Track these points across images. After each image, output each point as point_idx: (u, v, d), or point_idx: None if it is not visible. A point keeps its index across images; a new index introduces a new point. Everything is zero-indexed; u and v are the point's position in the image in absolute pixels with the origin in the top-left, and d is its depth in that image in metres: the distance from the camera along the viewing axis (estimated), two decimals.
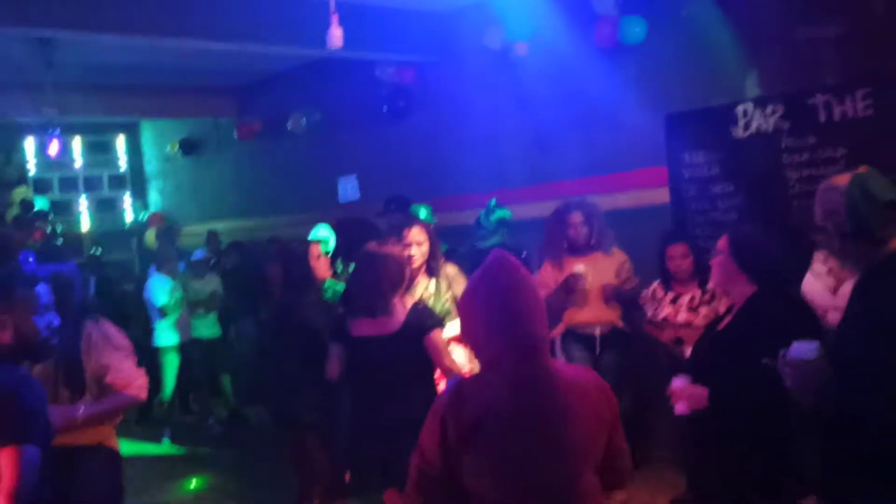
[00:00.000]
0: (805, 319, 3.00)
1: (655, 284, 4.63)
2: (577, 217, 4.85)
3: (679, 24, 5.04)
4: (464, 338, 2.15)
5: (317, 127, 8.42)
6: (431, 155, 7.00)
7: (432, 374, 3.58)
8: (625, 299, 4.86)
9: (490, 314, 2.00)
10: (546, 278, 4.86)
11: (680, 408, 3.00)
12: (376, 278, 3.55)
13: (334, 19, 4.40)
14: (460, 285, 4.00)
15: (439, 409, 1.99)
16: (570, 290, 4.75)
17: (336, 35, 4.36)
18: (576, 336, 4.91)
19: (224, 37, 5.80)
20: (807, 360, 2.50)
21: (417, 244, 4.06)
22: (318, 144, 8.56)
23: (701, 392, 2.96)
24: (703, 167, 4.96)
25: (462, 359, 3.80)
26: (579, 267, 4.73)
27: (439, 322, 3.66)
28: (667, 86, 5.13)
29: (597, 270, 4.77)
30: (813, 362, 2.48)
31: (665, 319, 4.47)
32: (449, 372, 3.50)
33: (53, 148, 8.41)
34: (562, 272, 4.82)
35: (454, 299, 4.05)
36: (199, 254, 7.51)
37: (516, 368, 1.96)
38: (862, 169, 2.48)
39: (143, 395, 3.14)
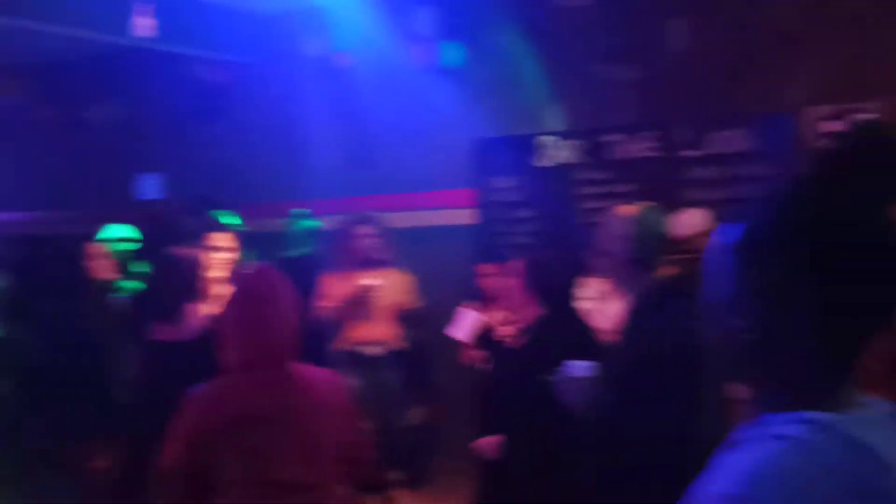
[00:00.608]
0: (588, 340, 3.23)
1: (466, 302, 4.76)
2: (365, 230, 4.79)
3: (493, 54, 5.26)
4: (221, 342, 2.26)
5: (121, 119, 7.94)
6: (247, 159, 6.80)
7: None
8: (411, 318, 4.85)
9: (242, 322, 2.22)
10: (329, 291, 4.72)
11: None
12: (173, 282, 3.43)
13: (141, 8, 4.19)
14: None
15: (189, 409, 2.18)
16: (358, 302, 4.64)
17: (145, 24, 4.16)
18: (357, 354, 4.74)
19: (20, 13, 5.33)
20: (582, 377, 2.69)
21: (223, 250, 3.92)
22: (121, 138, 8.07)
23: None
24: (507, 192, 5.19)
25: None
26: (369, 280, 4.66)
27: None
28: (479, 111, 5.32)
29: (385, 286, 4.70)
30: (587, 380, 2.67)
31: (461, 334, 4.59)
32: None
33: None
34: (348, 285, 4.70)
35: None
36: None
37: (265, 371, 2.19)
38: (647, 203, 2.73)
39: None
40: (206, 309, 3.47)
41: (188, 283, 3.41)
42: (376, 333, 4.75)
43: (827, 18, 4.33)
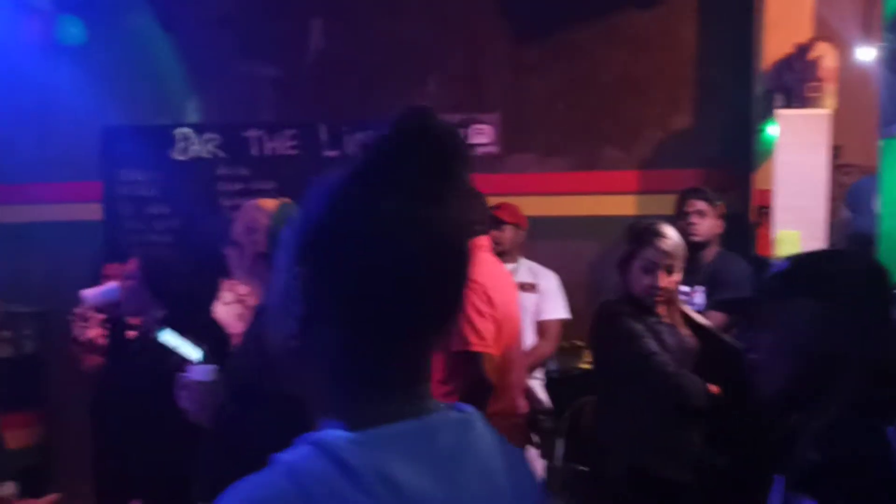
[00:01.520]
0: (212, 344, 3.09)
1: (79, 305, 4.32)
2: None
3: (121, 35, 4.85)
4: None
5: None
6: None
7: None
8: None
9: None
10: None
11: None
12: None
13: None
14: None
15: None
16: None
17: None
18: None
19: None
20: (202, 381, 2.55)
21: None
22: None
23: None
24: (141, 186, 4.83)
25: None
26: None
27: None
28: (107, 97, 4.86)
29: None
30: (207, 384, 2.54)
31: (79, 341, 4.19)
32: None
33: None
34: None
35: None
36: None
37: None
38: (285, 200, 2.65)
39: None
40: None
41: None
42: None
43: (450, 33, 4.65)
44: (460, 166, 0.89)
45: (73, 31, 4.72)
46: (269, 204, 2.60)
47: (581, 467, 3.56)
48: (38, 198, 4.95)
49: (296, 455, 0.81)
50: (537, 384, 3.88)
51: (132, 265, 3.23)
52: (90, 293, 3.57)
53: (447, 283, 0.87)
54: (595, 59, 4.56)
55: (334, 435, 0.81)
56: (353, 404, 0.85)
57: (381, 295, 0.83)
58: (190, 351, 2.70)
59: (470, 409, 0.91)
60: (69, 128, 4.87)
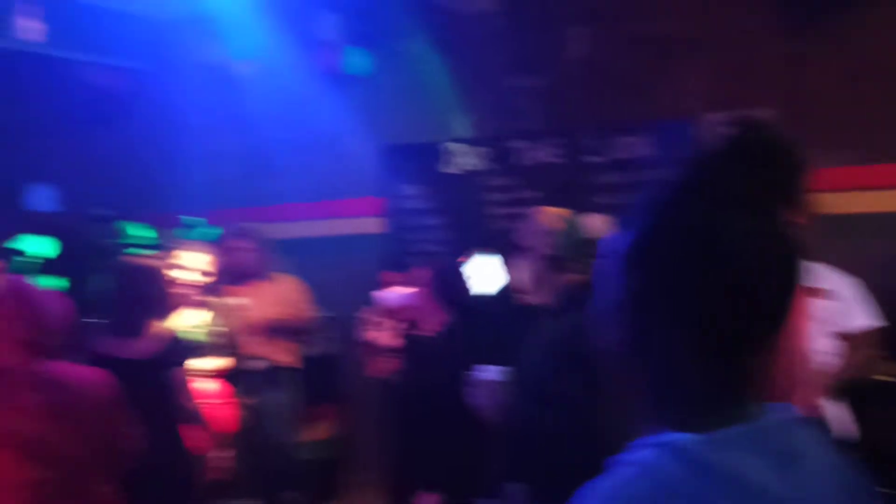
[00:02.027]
0: (499, 345, 3.23)
1: (368, 308, 4.69)
2: (240, 244, 4.56)
3: (399, 60, 5.23)
4: None
5: (9, 126, 7.53)
6: (143, 168, 6.55)
7: (172, 407, 3.30)
8: (293, 332, 4.62)
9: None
10: (226, 302, 4.45)
11: None
12: (140, 296, 3.24)
13: (26, 9, 3.98)
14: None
15: None
16: (229, 319, 4.40)
17: (31, 27, 3.95)
18: (241, 372, 4.46)
19: None
20: (494, 381, 2.68)
21: (189, 269, 3.79)
22: (9, 145, 7.64)
23: None
24: (415, 200, 5.16)
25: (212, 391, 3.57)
26: (237, 299, 4.43)
27: (190, 356, 3.45)
28: (386, 118, 5.27)
29: (261, 300, 4.46)
30: (499, 383, 2.66)
31: (370, 343, 4.53)
32: (184, 410, 3.28)
33: None
34: (223, 302, 4.44)
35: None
36: None
37: (18, 370, 2.35)
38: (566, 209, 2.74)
39: None
40: (167, 326, 3.31)
41: (152, 297, 3.24)
42: (256, 348, 4.49)
43: (721, 27, 4.47)
44: (798, 179, 0.89)
45: (358, 60, 5.17)
46: (554, 211, 2.70)
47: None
48: (329, 213, 5.47)
49: (645, 456, 0.84)
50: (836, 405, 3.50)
51: (424, 273, 3.47)
52: (385, 297, 3.88)
53: (782, 291, 0.88)
54: (875, 45, 4.17)
55: (684, 437, 0.83)
56: (691, 408, 0.87)
57: (718, 303, 0.85)
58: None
59: (797, 410, 0.91)
60: (353, 149, 5.33)
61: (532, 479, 2.48)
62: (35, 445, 2.34)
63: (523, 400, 2.54)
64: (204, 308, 4.14)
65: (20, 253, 4.07)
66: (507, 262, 3.46)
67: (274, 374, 4.51)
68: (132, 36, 6.16)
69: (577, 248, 2.61)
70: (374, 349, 4.57)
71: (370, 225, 5.37)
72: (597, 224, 3.69)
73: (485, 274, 3.93)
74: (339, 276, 5.09)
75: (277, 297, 4.55)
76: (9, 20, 3.98)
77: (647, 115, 4.57)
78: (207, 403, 3.71)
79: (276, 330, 4.50)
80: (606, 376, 2.30)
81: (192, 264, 4.06)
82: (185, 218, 5.12)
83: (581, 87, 4.82)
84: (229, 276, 4.50)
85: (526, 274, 2.67)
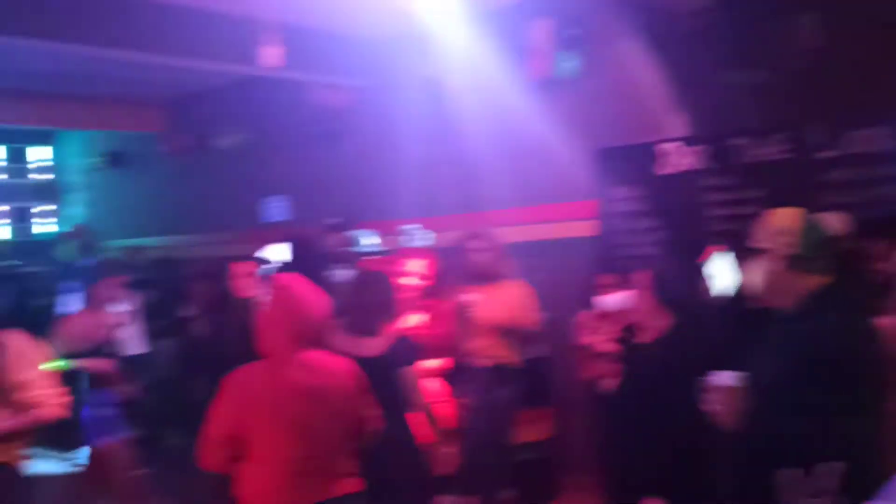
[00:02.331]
0: (726, 349, 3.13)
1: (584, 312, 4.70)
2: (476, 245, 4.74)
3: (610, 61, 5.20)
4: (259, 335, 2.79)
5: (246, 146, 8.33)
6: (362, 179, 6.99)
7: (401, 404, 3.51)
8: (527, 333, 4.72)
9: (269, 317, 2.79)
10: (449, 304, 4.65)
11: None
12: (375, 299, 3.51)
13: (267, 38, 4.39)
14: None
15: (226, 389, 2.71)
16: (462, 316, 4.58)
17: (272, 54, 4.35)
18: (467, 368, 4.66)
19: (156, 49, 5.68)
20: (730, 386, 2.59)
21: (416, 276, 4.07)
22: (246, 163, 8.46)
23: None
24: (628, 202, 5.10)
25: (435, 390, 3.78)
26: (470, 296, 4.58)
27: (419, 356, 3.66)
28: (596, 121, 5.26)
29: (492, 302, 4.60)
30: (735, 389, 2.57)
31: (586, 347, 4.53)
32: (417, 407, 3.47)
33: None
34: (457, 300, 4.62)
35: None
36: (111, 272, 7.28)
37: (284, 356, 2.73)
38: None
39: (59, 413, 3.02)
40: (396, 327, 3.56)
41: (389, 302, 3.50)
42: (483, 347, 4.65)
43: None
44: None
45: (568, 64, 5.21)
46: (791, 210, 2.56)
47: None
48: (541, 218, 5.54)
49: None
50: None
51: (643, 276, 3.43)
52: (602, 301, 3.87)
53: None
54: None
55: None
56: None
57: None
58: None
59: None
60: (565, 153, 5.37)
61: (771, 484, 2.38)
62: (298, 424, 2.68)
63: (762, 406, 2.44)
64: (424, 310, 4.35)
65: (265, 260, 4.51)
66: (739, 264, 3.34)
67: (499, 374, 4.65)
68: (354, 56, 6.60)
69: (819, 249, 2.47)
70: (590, 353, 4.57)
71: (582, 228, 5.37)
72: (833, 223, 3.46)
73: (714, 276, 3.82)
74: (551, 279, 5.13)
75: (509, 299, 4.69)
76: (253, 49, 4.41)
77: (884, 106, 4.21)
78: (432, 401, 3.90)
79: (506, 331, 4.64)
80: (860, 384, 2.19)
81: (413, 269, 4.27)
82: (404, 225, 5.40)
83: (808, 79, 4.53)
84: (464, 277, 4.70)
85: (761, 276, 2.56)
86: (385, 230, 6.02)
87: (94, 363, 4.41)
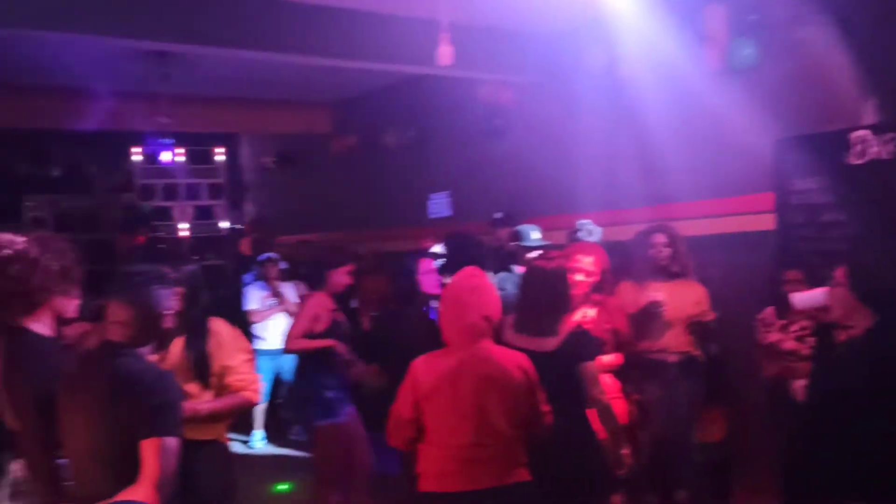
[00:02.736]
0: None
1: (769, 309, 4.53)
2: (659, 239, 4.74)
3: (792, 48, 4.94)
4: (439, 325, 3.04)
5: (411, 143, 8.55)
6: (528, 175, 7.00)
7: (580, 399, 3.51)
8: (705, 330, 4.69)
9: (447, 309, 3.03)
10: (626, 299, 4.65)
11: None
12: (550, 294, 3.53)
13: (444, 37, 4.49)
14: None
15: (411, 374, 2.97)
16: (648, 316, 4.58)
17: (446, 53, 4.46)
18: (649, 361, 4.64)
19: (332, 53, 5.94)
20: None
21: (584, 268, 4.13)
22: (410, 161, 8.69)
23: None
24: (813, 194, 4.84)
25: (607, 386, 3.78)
26: (658, 294, 4.57)
27: (598, 351, 3.67)
28: (777, 110, 5.02)
29: (676, 298, 4.60)
30: None
31: (771, 345, 4.36)
32: (595, 401, 3.49)
33: (166, 156, 8.76)
34: (642, 295, 4.65)
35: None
36: (282, 265, 7.69)
37: (461, 347, 2.95)
38: None
39: (258, 398, 3.23)
40: (571, 322, 3.60)
41: (565, 299, 3.54)
42: (668, 342, 4.65)
43: None
44: None
45: (745, 53, 5.00)
46: None
47: None
48: (720, 211, 5.35)
49: None
50: None
51: (838, 272, 3.25)
52: (799, 298, 3.71)
53: None
54: None
55: None
56: None
57: None
58: None
59: None
60: (743, 144, 5.16)
61: None
62: (470, 412, 2.86)
63: None
64: (594, 305, 4.32)
65: (439, 256, 4.62)
66: None
67: (684, 369, 4.59)
68: (521, 51, 6.63)
69: None
70: (774, 352, 4.40)
71: (759, 222, 5.14)
72: None
73: None
74: (731, 274, 4.96)
75: (691, 294, 4.65)
76: (423, 49, 4.53)
77: None
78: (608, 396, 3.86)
79: (691, 326, 4.62)
80: None
81: (586, 264, 4.25)
82: (580, 221, 5.38)
83: None
84: (645, 272, 4.68)
85: None
86: (554, 225, 6.02)
87: (335, 344, 4.63)
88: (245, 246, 10.53)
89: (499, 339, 3.47)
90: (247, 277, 7.84)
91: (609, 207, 6.01)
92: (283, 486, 6.09)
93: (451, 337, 2.99)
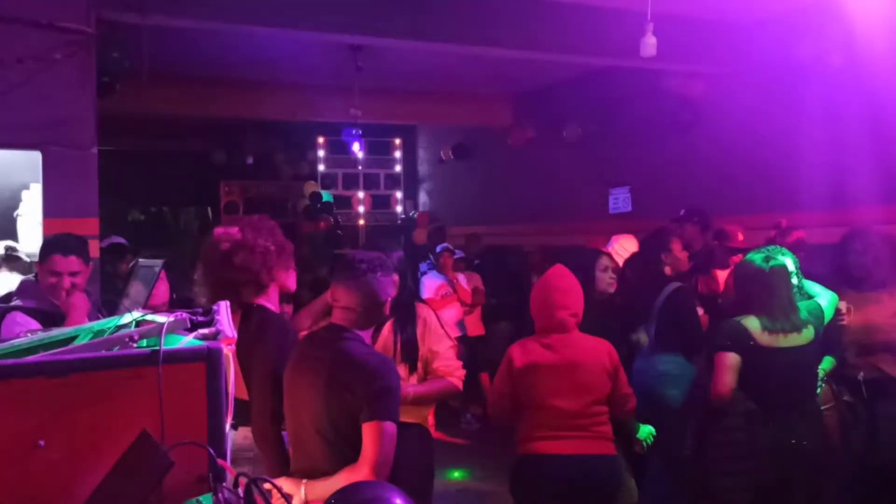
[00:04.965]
0: None
1: None
2: (856, 246, 4.31)
3: None
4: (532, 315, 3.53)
5: (590, 137, 8.41)
6: (715, 171, 6.71)
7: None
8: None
9: (538, 301, 3.49)
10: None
11: None
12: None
13: (649, 28, 4.36)
14: None
15: (508, 354, 3.47)
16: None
17: (651, 44, 4.32)
18: (842, 376, 4.26)
19: (541, 46, 5.92)
20: None
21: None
22: (590, 155, 8.55)
23: None
24: None
25: None
26: (841, 304, 4.14)
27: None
28: None
29: (866, 310, 4.18)
30: None
31: None
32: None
33: (356, 147, 9.12)
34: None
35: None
36: (457, 253, 7.79)
37: (550, 334, 3.43)
38: None
39: (460, 385, 3.26)
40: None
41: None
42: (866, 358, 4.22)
43: None
44: None
45: None
46: None
47: None
48: None
49: None
50: None
51: None
52: None
53: None
54: None
55: None
56: None
57: None
58: None
59: None
60: None
61: None
62: (557, 390, 3.32)
63: None
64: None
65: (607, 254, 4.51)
66: None
67: (880, 385, 4.22)
68: (714, 41, 6.33)
69: None
70: None
71: None
72: None
73: None
74: None
75: (889, 309, 4.22)
76: (629, 42, 4.42)
77: None
78: None
79: (881, 343, 4.18)
80: None
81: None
82: (777, 220, 5.08)
83: None
84: (841, 279, 4.32)
85: None
86: (748, 224, 5.71)
87: None
88: (419, 236, 10.78)
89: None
90: (422, 266, 8.01)
91: (797, 209, 5.63)
92: (456, 474, 6.17)
93: (540, 325, 3.47)
